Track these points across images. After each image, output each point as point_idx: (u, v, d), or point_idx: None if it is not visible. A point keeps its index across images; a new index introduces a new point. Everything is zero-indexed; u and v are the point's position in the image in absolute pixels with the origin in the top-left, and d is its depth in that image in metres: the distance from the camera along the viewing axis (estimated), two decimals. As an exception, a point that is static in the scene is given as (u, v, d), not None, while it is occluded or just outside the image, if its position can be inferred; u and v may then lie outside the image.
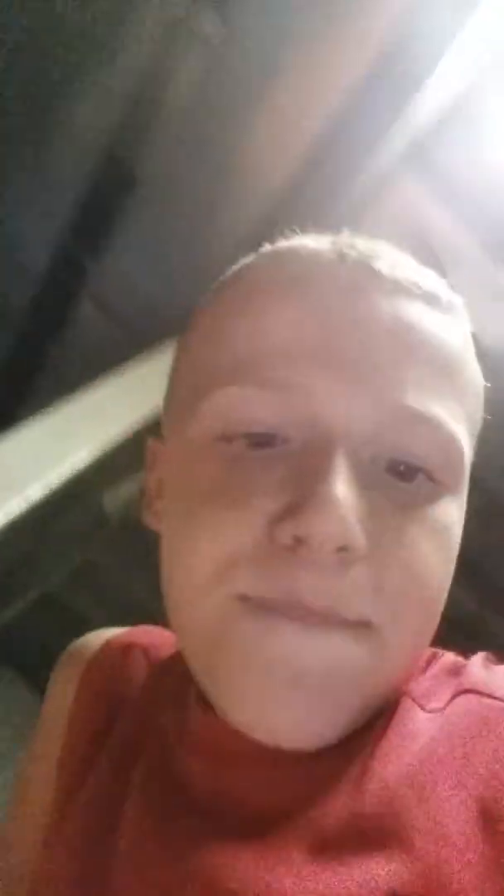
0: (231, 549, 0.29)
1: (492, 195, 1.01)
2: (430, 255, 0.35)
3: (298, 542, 0.27)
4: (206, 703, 0.34)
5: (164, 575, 0.34)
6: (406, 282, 0.31)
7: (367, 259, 0.31)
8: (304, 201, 1.02)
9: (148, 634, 0.47)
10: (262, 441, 0.30)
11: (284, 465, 0.29)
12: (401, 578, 0.29)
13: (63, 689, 0.45)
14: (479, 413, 0.35)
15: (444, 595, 0.32)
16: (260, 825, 0.29)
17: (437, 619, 0.32)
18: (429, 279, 0.33)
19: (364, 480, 0.28)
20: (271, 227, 0.39)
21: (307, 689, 0.28)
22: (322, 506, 0.26)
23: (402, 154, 0.98)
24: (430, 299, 0.32)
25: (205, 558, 0.29)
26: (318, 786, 0.29)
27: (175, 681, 0.39)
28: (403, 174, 1.01)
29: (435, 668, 0.34)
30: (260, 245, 0.35)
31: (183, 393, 0.35)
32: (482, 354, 0.35)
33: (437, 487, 0.31)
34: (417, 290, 0.31)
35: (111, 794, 0.35)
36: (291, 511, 0.27)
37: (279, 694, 0.28)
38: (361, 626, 0.29)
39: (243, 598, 0.29)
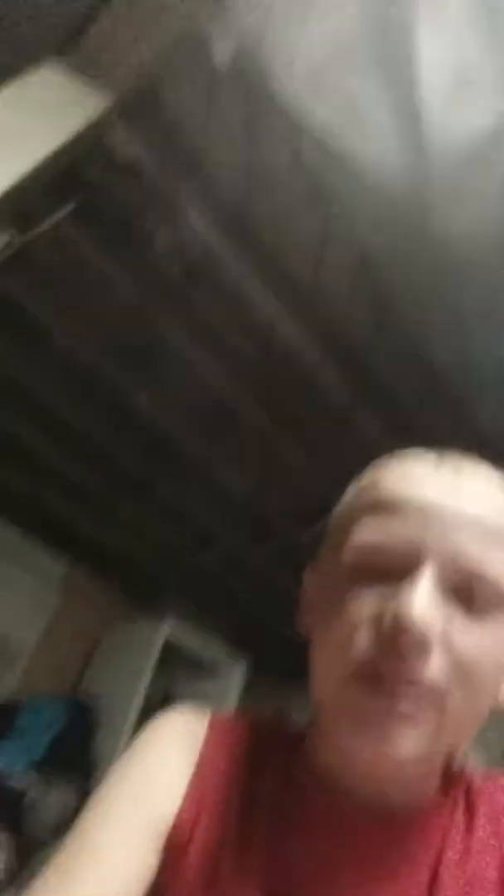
0: (352, 653, 0.43)
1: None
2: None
3: (395, 629, 0.40)
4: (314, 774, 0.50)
5: (312, 666, 0.48)
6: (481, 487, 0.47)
7: (456, 465, 0.49)
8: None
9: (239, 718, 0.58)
10: (380, 575, 0.44)
11: (390, 593, 0.43)
12: (459, 667, 0.42)
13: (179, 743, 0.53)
14: None
15: (495, 681, 0.45)
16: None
17: (489, 697, 0.45)
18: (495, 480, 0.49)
19: (443, 593, 0.43)
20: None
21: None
22: (409, 595, 0.41)
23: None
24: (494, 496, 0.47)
25: (335, 658, 0.45)
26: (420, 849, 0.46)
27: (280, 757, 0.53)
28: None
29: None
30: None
31: (337, 526, 0.51)
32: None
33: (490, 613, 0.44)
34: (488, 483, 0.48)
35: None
36: (391, 606, 0.42)
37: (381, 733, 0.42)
38: (435, 692, 0.42)
39: (357, 673, 0.43)
